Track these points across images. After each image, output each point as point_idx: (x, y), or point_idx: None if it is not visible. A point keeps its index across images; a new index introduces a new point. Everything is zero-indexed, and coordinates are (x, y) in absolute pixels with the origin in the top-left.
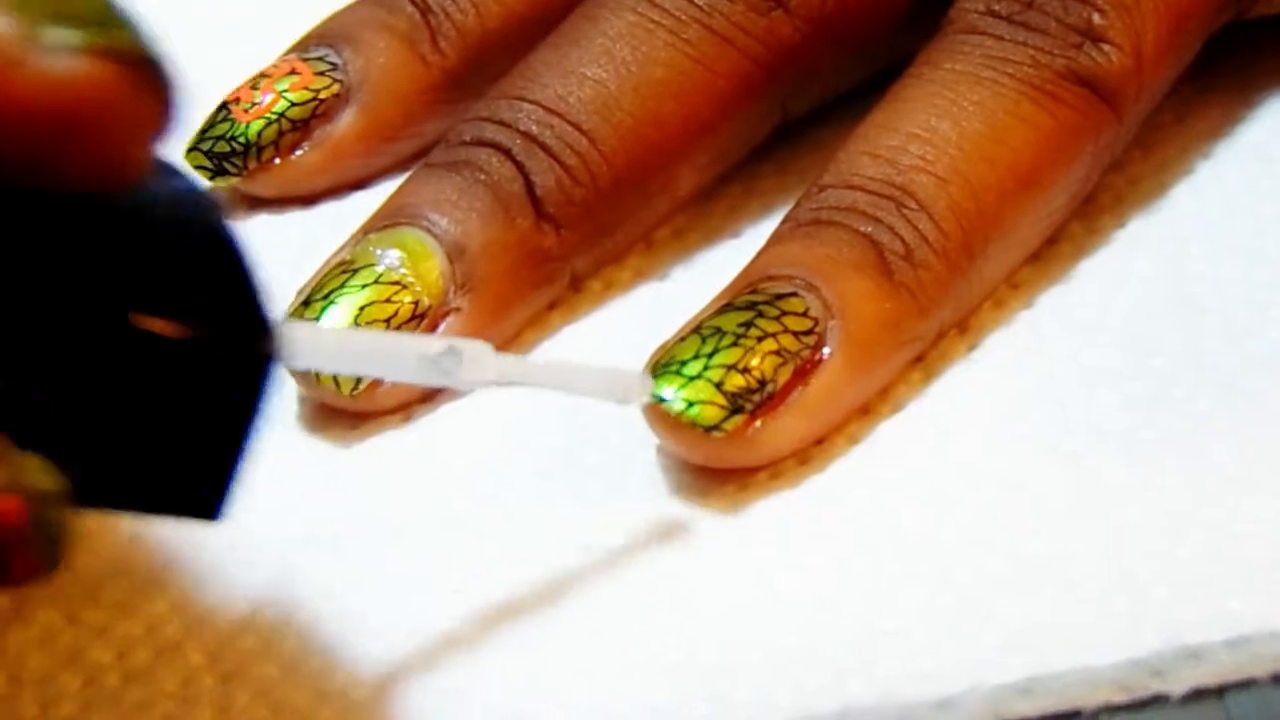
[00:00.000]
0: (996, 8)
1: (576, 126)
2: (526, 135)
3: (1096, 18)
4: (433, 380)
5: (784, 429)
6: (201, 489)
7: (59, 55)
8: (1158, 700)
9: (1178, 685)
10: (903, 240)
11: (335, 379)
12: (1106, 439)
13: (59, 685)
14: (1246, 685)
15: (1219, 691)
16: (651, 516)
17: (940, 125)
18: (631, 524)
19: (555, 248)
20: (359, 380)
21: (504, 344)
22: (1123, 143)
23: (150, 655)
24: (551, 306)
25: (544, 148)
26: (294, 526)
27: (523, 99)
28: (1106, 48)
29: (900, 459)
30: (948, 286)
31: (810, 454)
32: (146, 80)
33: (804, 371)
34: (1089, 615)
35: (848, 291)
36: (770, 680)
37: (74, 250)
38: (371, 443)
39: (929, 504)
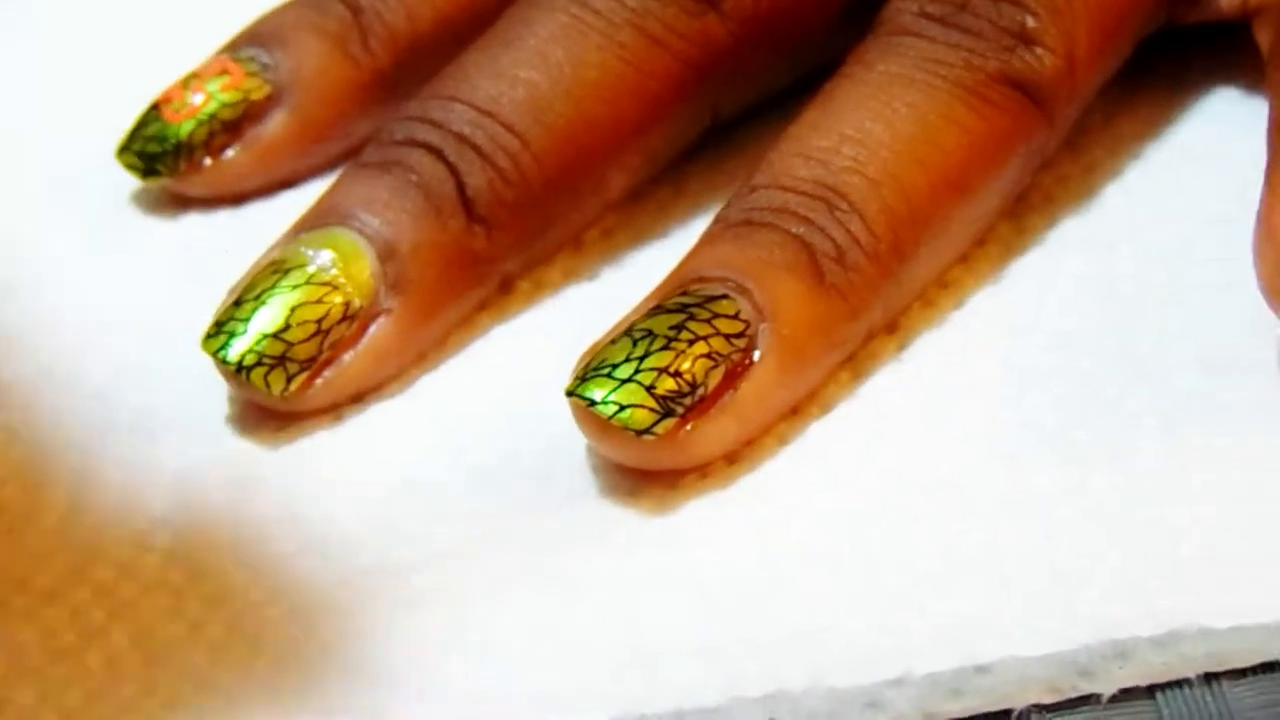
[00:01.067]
0: (930, 9)
1: (509, 128)
2: (458, 136)
3: (1030, 21)
4: None
5: (715, 432)
6: None
7: None
8: (1088, 700)
9: (1107, 685)
10: (834, 242)
11: (265, 379)
12: (1037, 439)
13: None
14: (1179, 685)
15: (1149, 691)
16: (583, 516)
17: (873, 127)
18: (563, 523)
19: (486, 249)
20: (289, 380)
21: (434, 345)
22: (1054, 145)
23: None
24: (481, 307)
25: (475, 148)
26: (225, 528)
27: (455, 99)
28: (1039, 50)
29: (831, 459)
30: (878, 289)
31: (740, 454)
32: None
33: (735, 374)
34: (1019, 611)
35: (779, 294)
36: (701, 664)
37: None
38: (301, 444)
39: (860, 502)
